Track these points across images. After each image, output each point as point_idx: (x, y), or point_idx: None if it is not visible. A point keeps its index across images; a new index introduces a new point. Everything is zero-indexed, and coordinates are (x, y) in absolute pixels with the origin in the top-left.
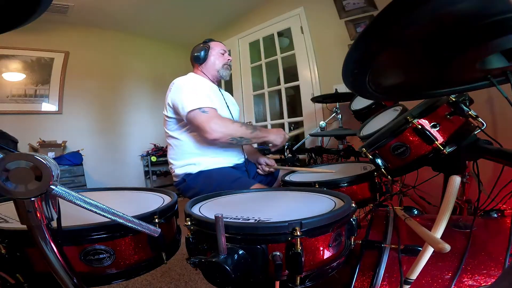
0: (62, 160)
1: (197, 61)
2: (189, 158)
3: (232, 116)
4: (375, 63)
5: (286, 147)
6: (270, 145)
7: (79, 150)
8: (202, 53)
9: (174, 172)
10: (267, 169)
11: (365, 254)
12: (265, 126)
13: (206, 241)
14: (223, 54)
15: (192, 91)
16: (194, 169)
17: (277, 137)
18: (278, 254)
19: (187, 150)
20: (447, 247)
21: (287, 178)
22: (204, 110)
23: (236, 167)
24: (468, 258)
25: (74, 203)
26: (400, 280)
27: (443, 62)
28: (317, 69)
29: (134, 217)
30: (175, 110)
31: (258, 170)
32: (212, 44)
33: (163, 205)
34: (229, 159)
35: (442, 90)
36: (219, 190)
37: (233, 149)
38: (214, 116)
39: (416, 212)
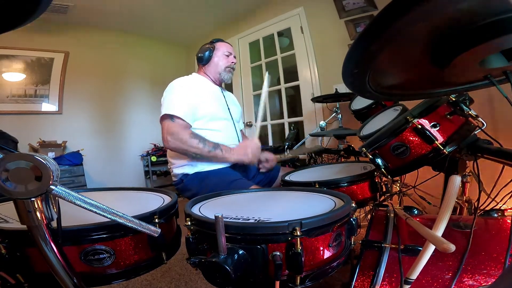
0: (62, 160)
1: (200, 61)
2: (186, 158)
3: (232, 117)
4: (375, 63)
5: (286, 147)
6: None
7: (79, 150)
8: (206, 54)
9: (172, 171)
10: (268, 165)
11: (365, 254)
12: (265, 126)
13: (206, 241)
14: (227, 56)
15: (177, 96)
16: (191, 170)
17: (241, 156)
18: (278, 254)
19: None
20: (452, 247)
21: (287, 178)
22: (173, 119)
23: (234, 167)
24: (468, 258)
25: (74, 203)
26: (400, 280)
27: (443, 62)
28: (317, 69)
29: (134, 217)
30: None
31: (260, 169)
32: (218, 44)
33: (163, 205)
34: None
35: (442, 90)
36: (215, 191)
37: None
38: (177, 127)
39: (416, 212)
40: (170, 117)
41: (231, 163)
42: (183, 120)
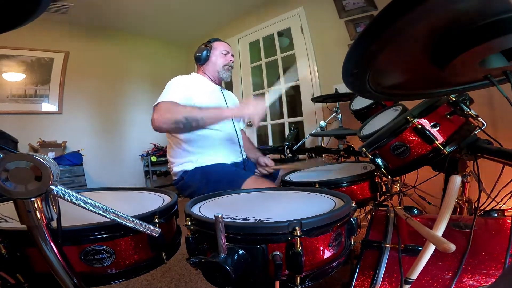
0: (62, 160)
1: (198, 61)
2: (186, 156)
3: None
4: (375, 63)
5: (286, 147)
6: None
7: (79, 150)
8: (204, 53)
9: (172, 170)
10: (264, 171)
11: (365, 254)
12: (265, 126)
13: (206, 241)
14: (225, 54)
15: (173, 89)
16: (190, 166)
17: (241, 110)
18: (278, 254)
19: (185, 149)
20: (452, 247)
21: (287, 178)
22: (164, 102)
23: (234, 165)
24: (468, 258)
25: (74, 203)
26: (400, 280)
27: (443, 62)
28: (317, 69)
29: (134, 217)
30: None
31: (256, 172)
32: (215, 44)
33: (163, 205)
34: (227, 158)
35: (442, 90)
36: (216, 185)
37: (232, 147)
38: (163, 104)
39: (416, 212)
40: (162, 102)
41: (228, 119)
42: (173, 101)
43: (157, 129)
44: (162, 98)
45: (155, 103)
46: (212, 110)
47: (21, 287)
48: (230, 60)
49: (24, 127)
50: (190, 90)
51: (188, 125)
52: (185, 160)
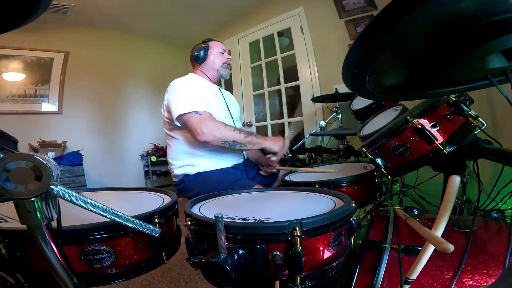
0: (62, 160)
1: (196, 60)
2: (187, 159)
3: (232, 116)
4: (375, 63)
5: None
6: (271, 155)
7: (79, 150)
8: (202, 52)
9: (173, 172)
10: (269, 170)
11: (365, 254)
12: (265, 126)
13: (206, 241)
14: (222, 53)
15: (186, 94)
16: (192, 170)
17: (274, 145)
18: (278, 254)
19: (185, 150)
20: (451, 247)
21: (287, 178)
22: (197, 112)
23: (235, 167)
24: (468, 258)
25: (74, 203)
26: (400, 280)
27: (443, 62)
28: (317, 69)
29: (134, 217)
30: (169, 111)
31: (260, 172)
32: (211, 43)
33: (163, 205)
34: (228, 159)
35: (442, 90)
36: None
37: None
38: (207, 118)
39: (416, 212)
40: (194, 112)
41: (264, 148)
42: (207, 112)
43: (204, 143)
44: (186, 107)
45: (185, 112)
46: (255, 139)
47: (21, 287)
48: (228, 59)
49: (24, 127)
50: (204, 94)
51: (233, 146)
52: (185, 162)
